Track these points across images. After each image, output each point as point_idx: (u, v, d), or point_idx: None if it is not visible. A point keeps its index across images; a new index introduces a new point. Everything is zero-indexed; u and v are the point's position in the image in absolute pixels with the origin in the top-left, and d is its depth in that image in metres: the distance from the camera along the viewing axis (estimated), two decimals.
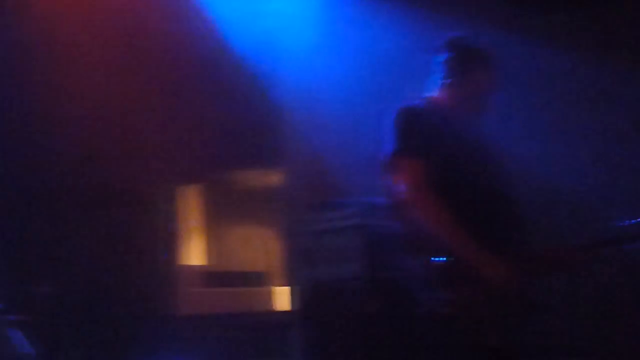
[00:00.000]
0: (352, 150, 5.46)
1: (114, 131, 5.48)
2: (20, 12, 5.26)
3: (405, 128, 3.41)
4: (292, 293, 5.72)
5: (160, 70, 5.69)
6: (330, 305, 5.09)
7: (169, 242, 5.80)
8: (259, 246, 6.23)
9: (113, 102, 5.47)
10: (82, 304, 5.16)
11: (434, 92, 3.63)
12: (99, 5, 5.55)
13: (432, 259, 3.25)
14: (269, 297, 6.16)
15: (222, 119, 5.92)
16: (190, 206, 6.07)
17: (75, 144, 5.41)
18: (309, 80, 5.82)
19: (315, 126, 5.72)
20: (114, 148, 5.50)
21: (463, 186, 3.37)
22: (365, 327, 4.84)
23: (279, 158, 6.01)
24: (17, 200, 5.09)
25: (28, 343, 4.07)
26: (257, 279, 6.18)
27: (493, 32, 4.39)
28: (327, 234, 5.18)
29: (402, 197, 3.34)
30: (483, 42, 3.68)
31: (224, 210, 6.16)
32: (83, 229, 5.33)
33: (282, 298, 6.05)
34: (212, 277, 5.94)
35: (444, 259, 3.24)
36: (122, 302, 5.32)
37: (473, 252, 3.21)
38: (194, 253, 6.04)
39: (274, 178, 6.16)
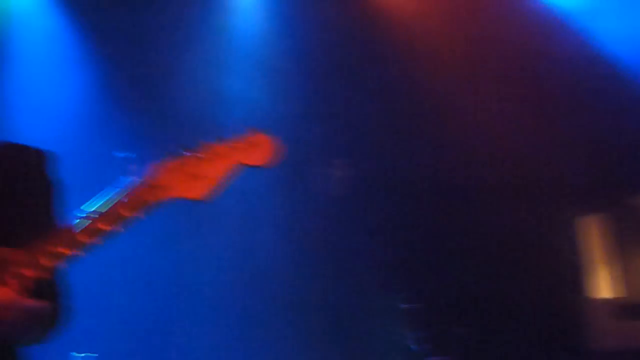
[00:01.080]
0: None
1: (509, 162, 5.44)
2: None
3: None
4: None
5: (544, 92, 5.57)
6: None
7: (577, 275, 5.61)
8: None
9: (498, 128, 5.45)
10: (493, 343, 5.19)
11: None
12: (471, 22, 5.60)
13: None
14: None
15: (616, 142, 5.59)
16: (595, 236, 5.81)
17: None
18: None
19: None
20: (513, 180, 5.47)
21: None
22: None
23: None
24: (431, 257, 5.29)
25: None
26: None
27: None
28: None
29: None
30: None
31: (631, 237, 5.79)
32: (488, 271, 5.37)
33: None
34: (624, 309, 5.61)
35: None
36: (529, 338, 5.24)
37: None
38: (603, 285, 5.76)
39: None
